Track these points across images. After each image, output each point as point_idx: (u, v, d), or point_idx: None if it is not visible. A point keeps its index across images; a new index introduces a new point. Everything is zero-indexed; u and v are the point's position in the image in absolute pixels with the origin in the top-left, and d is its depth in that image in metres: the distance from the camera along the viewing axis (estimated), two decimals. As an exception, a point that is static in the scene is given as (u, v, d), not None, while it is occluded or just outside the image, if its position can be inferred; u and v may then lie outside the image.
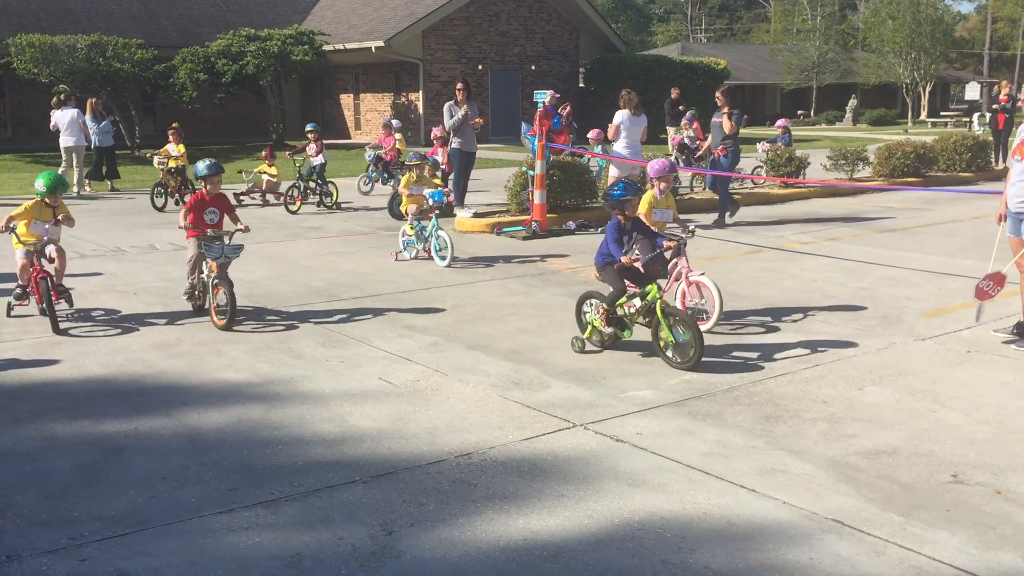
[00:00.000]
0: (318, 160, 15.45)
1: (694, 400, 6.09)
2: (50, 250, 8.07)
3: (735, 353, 7.14)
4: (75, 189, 17.48)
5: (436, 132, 15.40)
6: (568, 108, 17.97)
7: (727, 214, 13.79)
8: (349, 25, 33.43)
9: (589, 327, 7.16)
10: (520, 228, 12.94)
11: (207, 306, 8.16)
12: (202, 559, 4.04)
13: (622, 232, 7.05)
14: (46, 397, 6.18)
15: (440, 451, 5.24)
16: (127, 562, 4.00)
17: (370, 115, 33.78)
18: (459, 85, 14.28)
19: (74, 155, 17.82)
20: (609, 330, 7.01)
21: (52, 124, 18.03)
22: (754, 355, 7.07)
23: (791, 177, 16.85)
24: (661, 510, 4.51)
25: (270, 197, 16.15)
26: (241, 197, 15.85)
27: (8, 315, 8.19)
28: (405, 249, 11.04)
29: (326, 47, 29.98)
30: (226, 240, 8.06)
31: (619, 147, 12.93)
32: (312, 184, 15.49)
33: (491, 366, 6.85)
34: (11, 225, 7.95)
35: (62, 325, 7.86)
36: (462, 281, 9.85)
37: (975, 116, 38.58)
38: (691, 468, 5.01)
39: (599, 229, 13.28)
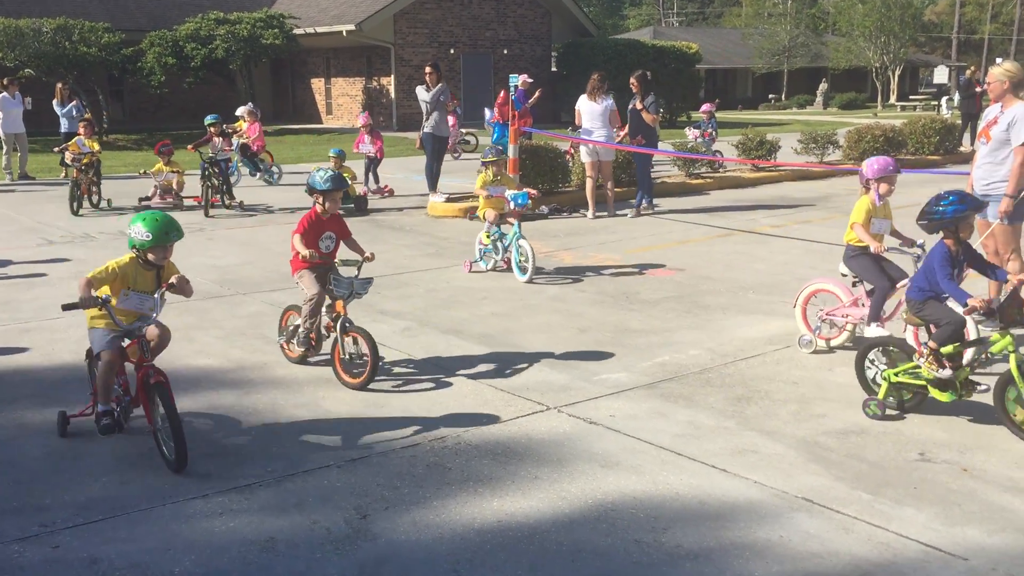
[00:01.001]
0: (225, 156, 13.99)
1: (666, 382, 6.14)
2: (149, 331, 5.03)
3: (705, 336, 7.20)
4: (7, 176, 17.60)
5: (362, 120, 15.04)
6: (537, 94, 17.87)
7: (643, 204, 13.38)
8: (319, 8, 33.15)
9: (885, 384, 5.46)
10: (493, 212, 12.92)
11: (312, 355, 6.50)
12: (176, 544, 4.03)
13: (953, 262, 5.31)
14: (16, 384, 6.12)
15: (414, 435, 5.26)
16: (100, 548, 3.99)
17: (342, 100, 33.57)
18: (427, 69, 14.17)
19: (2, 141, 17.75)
20: (946, 372, 5.20)
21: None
22: (725, 337, 7.13)
23: (763, 160, 16.92)
24: (634, 491, 4.55)
25: (169, 197, 14.15)
26: (147, 202, 13.94)
27: (63, 434, 5.23)
28: (481, 259, 9.62)
29: (296, 31, 29.71)
30: (346, 272, 6.34)
31: (582, 133, 12.93)
32: (215, 182, 13.60)
33: (465, 350, 6.86)
34: (102, 297, 4.85)
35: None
36: (435, 266, 9.84)
37: (943, 99, 38.94)
38: (663, 449, 5.05)
39: (571, 213, 13.32)
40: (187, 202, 13.97)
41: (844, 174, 17.32)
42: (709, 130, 18.16)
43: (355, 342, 6.07)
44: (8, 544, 4.02)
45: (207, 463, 4.87)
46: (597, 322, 7.59)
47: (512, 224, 9.31)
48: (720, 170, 16.90)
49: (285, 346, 6.61)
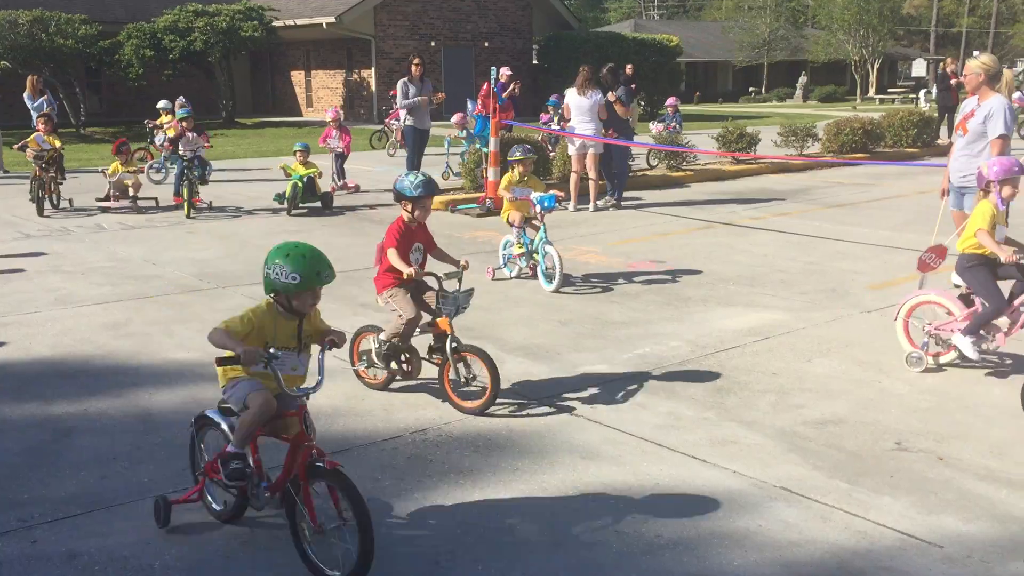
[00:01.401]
0: (203, 151, 13.06)
1: (646, 374, 6.16)
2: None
3: (685, 327, 7.23)
4: None
5: (332, 114, 14.33)
6: (514, 86, 17.80)
7: (615, 197, 13.39)
8: (299, 0, 32.98)
9: None
10: (474, 205, 12.93)
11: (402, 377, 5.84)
12: (156, 538, 4.02)
13: None
14: (-8, 379, 6.07)
15: (395, 427, 5.26)
16: (79, 543, 3.97)
17: (322, 92, 33.43)
18: (415, 60, 14.02)
19: None
20: None
21: None
22: (705, 329, 7.17)
23: (743, 153, 16.99)
24: (615, 481, 4.57)
25: (125, 199, 13.07)
26: (103, 203, 13.04)
27: (164, 524, 4.11)
28: (505, 265, 8.87)
29: (276, 23, 29.55)
30: (449, 286, 5.73)
31: (571, 125, 12.93)
32: (193, 176, 12.65)
33: (446, 343, 6.84)
34: (270, 351, 3.76)
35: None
36: (416, 258, 9.81)
37: (921, 92, 39.21)
38: (644, 440, 5.08)
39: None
40: (142, 203, 12.98)
41: (822, 166, 17.44)
42: (673, 123, 18.15)
43: (466, 363, 5.52)
44: (-14, 539, 4.00)
45: (186, 457, 4.84)
46: (578, 314, 7.61)
47: (537, 228, 8.47)
48: (688, 162, 16.87)
49: (364, 373, 5.90)
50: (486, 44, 33.01)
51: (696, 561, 3.84)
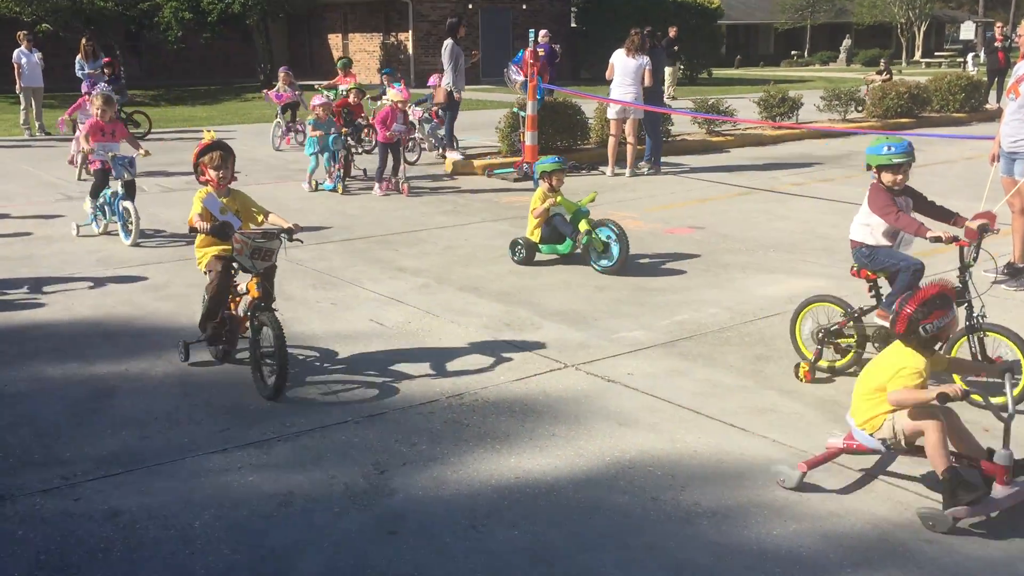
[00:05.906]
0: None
1: (685, 341, 6.10)
2: None
3: (725, 294, 7.15)
4: (26, 131, 17.47)
5: (402, 92, 12.04)
6: (557, 50, 17.64)
7: (648, 161, 13.25)
8: (337, -38, 32.85)
9: None
10: (511, 170, 12.84)
11: None
12: (195, 497, 4.06)
13: None
14: (36, 339, 6.15)
15: (432, 392, 5.25)
16: (120, 501, 4.02)
17: (359, 55, 33.30)
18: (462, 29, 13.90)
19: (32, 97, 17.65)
20: None
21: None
22: (744, 296, 7.08)
23: (783, 119, 16.70)
24: (652, 449, 4.54)
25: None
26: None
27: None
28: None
29: (314, -15, 29.48)
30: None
31: (612, 87, 12.76)
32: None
33: (482, 307, 6.84)
34: None
35: None
36: (453, 223, 9.79)
37: (969, 56, 38.26)
38: (682, 407, 5.03)
39: (590, 170, 13.21)
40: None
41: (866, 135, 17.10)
42: None
43: None
44: (30, 496, 4.06)
45: (225, 418, 4.89)
46: (615, 280, 7.55)
47: None
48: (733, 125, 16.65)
49: None
50: (524, 6, 32.64)
51: (735, 530, 3.81)
